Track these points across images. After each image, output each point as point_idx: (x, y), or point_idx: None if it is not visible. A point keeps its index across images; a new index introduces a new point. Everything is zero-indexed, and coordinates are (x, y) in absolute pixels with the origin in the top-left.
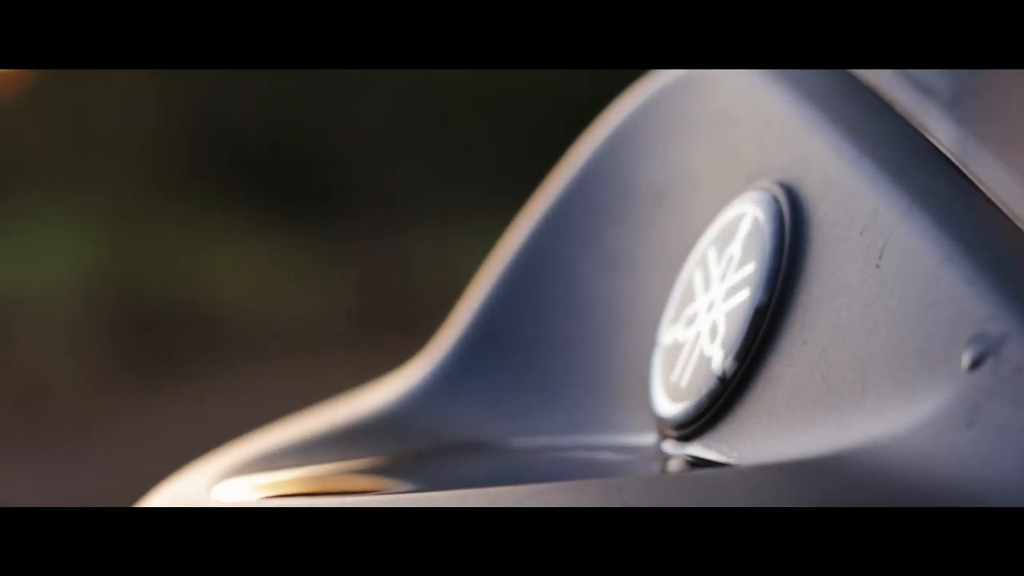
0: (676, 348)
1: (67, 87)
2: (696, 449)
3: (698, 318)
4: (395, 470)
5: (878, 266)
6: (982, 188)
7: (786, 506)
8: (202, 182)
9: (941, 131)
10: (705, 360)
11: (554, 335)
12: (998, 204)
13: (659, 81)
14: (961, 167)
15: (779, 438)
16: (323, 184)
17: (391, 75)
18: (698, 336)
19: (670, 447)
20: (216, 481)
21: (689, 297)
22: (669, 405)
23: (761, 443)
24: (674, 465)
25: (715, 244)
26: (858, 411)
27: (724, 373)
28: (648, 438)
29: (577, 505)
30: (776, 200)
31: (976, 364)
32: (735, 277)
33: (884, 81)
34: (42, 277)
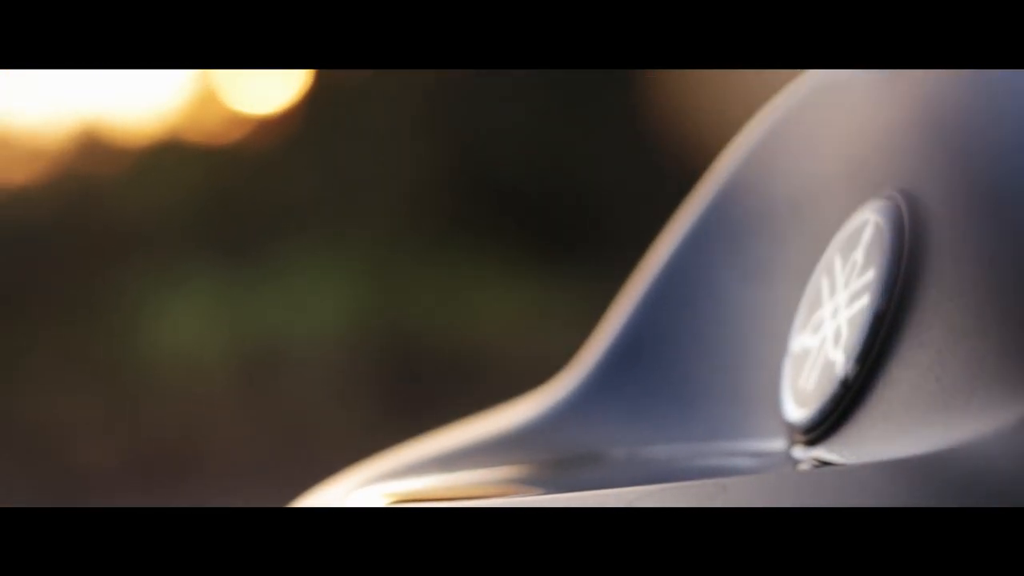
0: (804, 354)
1: (328, 132)
2: (821, 452)
3: (824, 324)
4: (527, 479)
5: (991, 267)
6: None
7: (882, 505)
8: (463, 224)
9: None
10: (829, 365)
11: (695, 345)
12: None
13: (793, 94)
14: None
15: (895, 440)
16: (582, 223)
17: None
18: (823, 342)
19: (798, 452)
20: (356, 488)
21: (816, 304)
22: (796, 410)
23: (879, 445)
24: (791, 468)
25: (841, 251)
26: (967, 410)
27: (846, 377)
28: (778, 444)
29: (682, 505)
30: (897, 207)
31: None
32: (857, 283)
33: (1002, 83)
34: (308, 323)
